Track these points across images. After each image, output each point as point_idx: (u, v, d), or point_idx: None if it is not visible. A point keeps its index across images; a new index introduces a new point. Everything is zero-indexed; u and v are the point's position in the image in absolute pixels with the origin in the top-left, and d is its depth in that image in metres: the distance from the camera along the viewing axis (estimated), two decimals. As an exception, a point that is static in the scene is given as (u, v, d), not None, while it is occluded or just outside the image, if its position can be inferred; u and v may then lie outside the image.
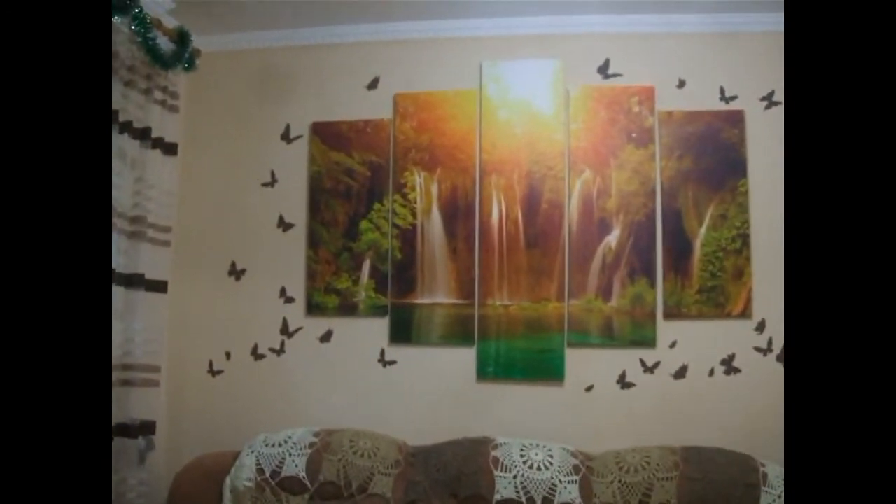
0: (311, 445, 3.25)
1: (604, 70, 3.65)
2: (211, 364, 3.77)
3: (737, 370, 3.46)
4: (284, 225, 3.77)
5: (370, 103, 3.76)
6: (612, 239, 3.57)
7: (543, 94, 3.65)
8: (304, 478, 3.18)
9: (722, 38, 3.60)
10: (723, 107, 3.57)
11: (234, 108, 3.89)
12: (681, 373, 3.49)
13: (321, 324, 3.71)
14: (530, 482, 3.14)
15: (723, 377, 3.47)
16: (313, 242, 3.73)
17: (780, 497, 3.03)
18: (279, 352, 3.72)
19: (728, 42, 3.60)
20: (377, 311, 3.67)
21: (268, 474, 3.20)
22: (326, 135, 3.76)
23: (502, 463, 3.19)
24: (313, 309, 3.71)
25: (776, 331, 3.45)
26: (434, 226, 3.67)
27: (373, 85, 3.77)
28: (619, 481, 3.15)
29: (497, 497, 3.12)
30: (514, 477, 3.15)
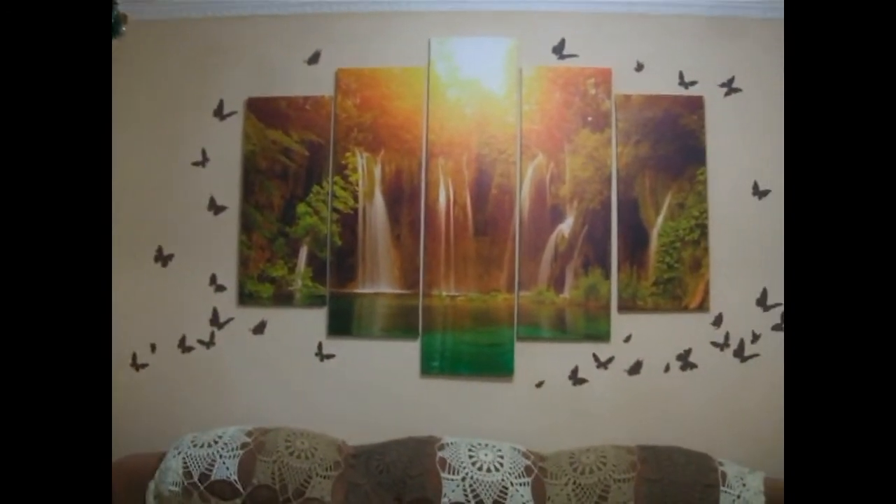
0: (244, 446, 3.03)
1: (559, 50, 3.47)
2: (134, 357, 3.49)
3: (693, 365, 3.34)
4: (215, 207, 3.51)
5: (310, 79, 3.51)
6: (566, 227, 3.40)
7: (495, 73, 3.46)
8: (235, 481, 2.94)
9: (682, 21, 3.46)
10: (682, 92, 3.43)
11: (163, 80, 3.59)
12: (635, 368, 3.35)
13: (254, 314, 3.46)
14: (480, 485, 2.97)
15: (679, 373, 3.35)
16: (246, 227, 3.47)
17: (739, 497, 2.93)
18: (209, 344, 3.46)
19: (688, 25, 3.46)
20: (315, 301, 3.44)
21: (196, 478, 2.97)
22: (263, 111, 3.50)
23: (450, 464, 3.01)
24: (246, 298, 3.45)
25: (733, 325, 3.35)
26: (377, 210, 3.45)
27: (313, 59, 3.52)
28: (574, 483, 2.99)
29: (444, 501, 2.94)
30: (463, 479, 2.97)
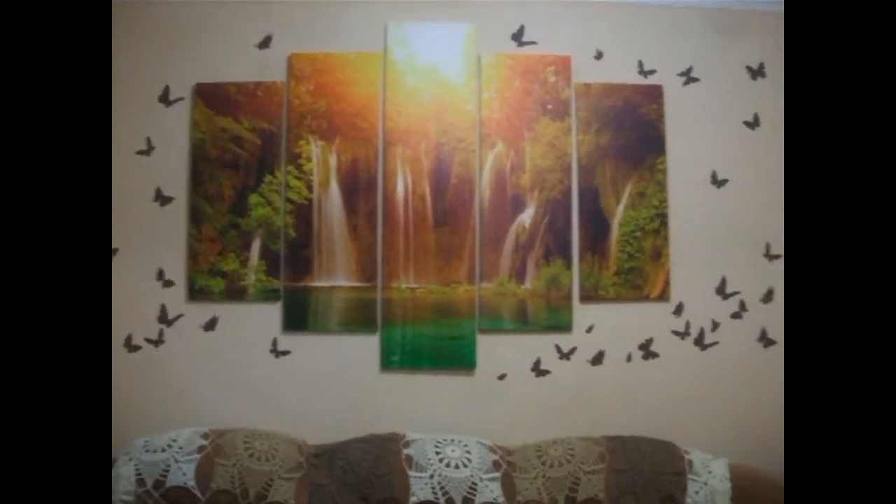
0: (200, 449, 2.88)
1: (518, 37, 3.41)
2: (74, 357, 3.28)
3: (655, 355, 3.35)
4: (162, 199, 3.32)
5: (262, 64, 3.35)
6: (527, 217, 3.35)
7: (454, 60, 3.37)
8: (193, 487, 2.80)
9: (641, 10, 3.44)
10: (641, 81, 3.42)
11: (100, 64, 3.38)
12: (598, 358, 3.33)
13: (205, 310, 3.30)
14: (448, 482, 2.90)
15: (641, 362, 3.35)
16: (196, 218, 3.30)
17: (706, 484, 2.97)
18: (157, 342, 3.28)
19: (647, 14, 3.45)
20: (269, 295, 3.29)
21: (150, 485, 2.80)
22: (212, 98, 3.32)
23: (416, 462, 2.94)
24: (196, 293, 3.29)
25: (693, 314, 3.37)
26: (332, 201, 3.33)
27: (265, 43, 3.36)
28: (543, 476, 2.96)
29: (413, 499, 2.87)
30: (431, 477, 2.91)
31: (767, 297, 3.38)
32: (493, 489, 2.91)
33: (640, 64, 3.42)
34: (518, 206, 3.35)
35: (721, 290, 3.37)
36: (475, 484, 2.91)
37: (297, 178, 3.32)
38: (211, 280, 3.29)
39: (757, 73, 3.44)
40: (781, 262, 3.38)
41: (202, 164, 3.31)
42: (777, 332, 3.37)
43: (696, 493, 2.93)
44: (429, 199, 3.33)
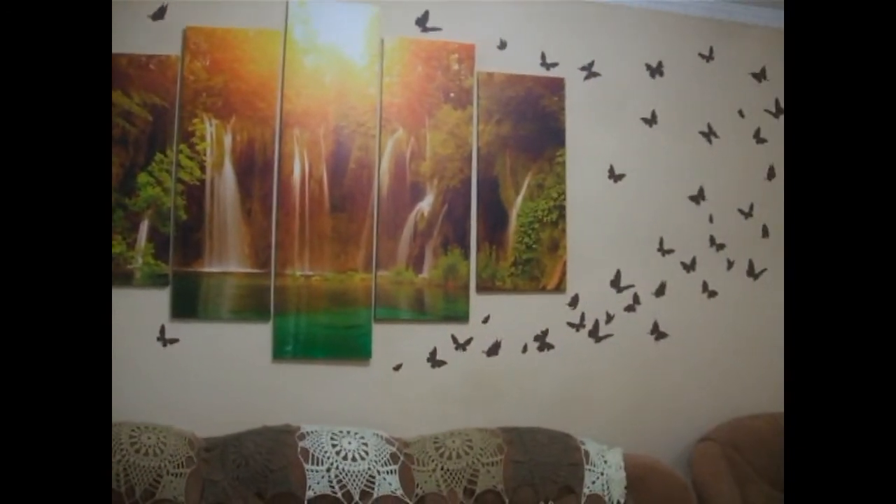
0: (82, 443, 2.72)
1: (422, 22, 3.35)
2: (-61, 343, 3.04)
3: (550, 346, 3.38)
4: (41, 175, 3.11)
5: (155, 35, 3.15)
6: (426, 205, 3.31)
7: (356, 41, 3.28)
8: (74, 484, 2.64)
9: (545, 2, 3.45)
10: (543, 73, 3.43)
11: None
12: (494, 349, 3.34)
13: (87, 295, 3.11)
14: (346, 475, 2.84)
15: (536, 353, 3.38)
16: (78, 197, 3.10)
17: (602, 474, 3.04)
18: (33, 328, 3.07)
19: (551, 6, 3.46)
20: (157, 280, 3.12)
21: (27, 482, 2.63)
22: (98, 69, 3.12)
23: (313, 454, 2.86)
24: (77, 277, 3.10)
25: (588, 306, 3.43)
26: (226, 183, 3.19)
27: (159, 14, 3.17)
28: (442, 468, 2.95)
29: (310, 493, 2.79)
30: (328, 470, 2.84)
31: (660, 290, 3.47)
32: (391, 482, 2.87)
33: (543, 56, 3.43)
34: (417, 193, 3.31)
35: (616, 283, 3.44)
36: (373, 477, 2.86)
37: (189, 157, 3.16)
38: (94, 263, 3.10)
39: (655, 71, 3.51)
40: (674, 256, 3.49)
41: (86, 140, 3.11)
42: (667, 325, 3.47)
43: (593, 482, 3.00)
44: (326, 183, 3.24)
